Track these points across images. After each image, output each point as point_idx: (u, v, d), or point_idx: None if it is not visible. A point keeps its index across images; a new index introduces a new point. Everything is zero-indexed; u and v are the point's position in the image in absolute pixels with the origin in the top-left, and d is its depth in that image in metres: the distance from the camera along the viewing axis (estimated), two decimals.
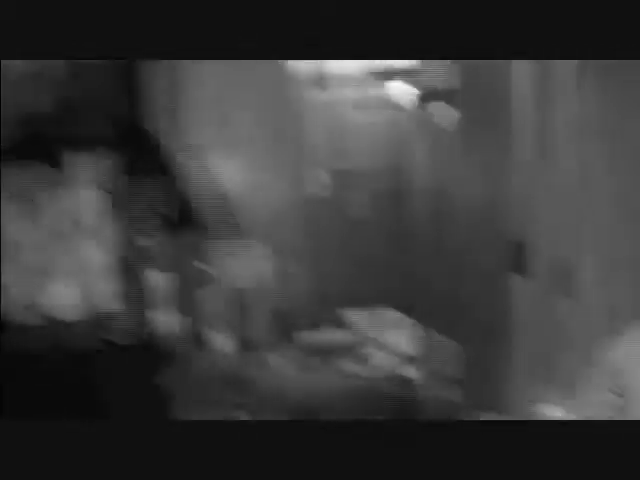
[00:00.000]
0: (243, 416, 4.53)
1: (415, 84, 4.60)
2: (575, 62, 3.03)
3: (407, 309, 4.63)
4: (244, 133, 6.03)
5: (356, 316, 5.09)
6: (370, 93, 5.13)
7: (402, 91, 4.86)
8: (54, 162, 2.95)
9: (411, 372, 4.20)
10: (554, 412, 2.16)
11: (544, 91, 3.25)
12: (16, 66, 2.77)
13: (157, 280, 3.04)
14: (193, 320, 3.29)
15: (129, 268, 2.98)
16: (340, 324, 5.14)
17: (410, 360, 4.30)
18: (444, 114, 3.65)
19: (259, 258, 5.60)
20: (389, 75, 4.89)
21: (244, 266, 5.57)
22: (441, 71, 3.86)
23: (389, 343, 4.75)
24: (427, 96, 4.11)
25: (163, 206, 3.03)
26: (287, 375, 4.57)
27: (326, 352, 4.84)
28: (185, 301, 3.19)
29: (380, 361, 4.64)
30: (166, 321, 3.08)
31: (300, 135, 5.48)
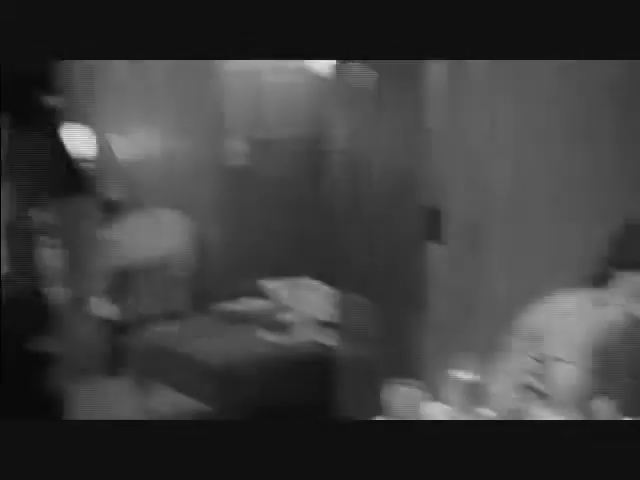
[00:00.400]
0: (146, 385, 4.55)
1: None
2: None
3: (325, 276, 4.65)
4: (162, 101, 5.97)
5: (275, 285, 5.10)
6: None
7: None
8: None
9: (330, 337, 4.23)
10: (468, 376, 2.19)
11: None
12: None
13: (47, 249, 2.98)
14: (80, 289, 3.24)
15: (17, 235, 2.92)
16: (259, 293, 5.14)
17: (329, 325, 4.33)
18: (362, 75, 3.64)
19: (175, 227, 5.57)
20: None
21: (154, 235, 5.52)
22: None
23: (308, 310, 4.78)
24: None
25: (52, 172, 2.96)
26: (205, 343, 4.56)
27: (245, 321, 4.84)
28: (74, 269, 3.13)
29: (299, 328, 4.67)
30: (55, 290, 3.03)
31: (218, 103, 5.43)
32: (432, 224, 3.50)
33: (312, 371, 4.35)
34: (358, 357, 3.73)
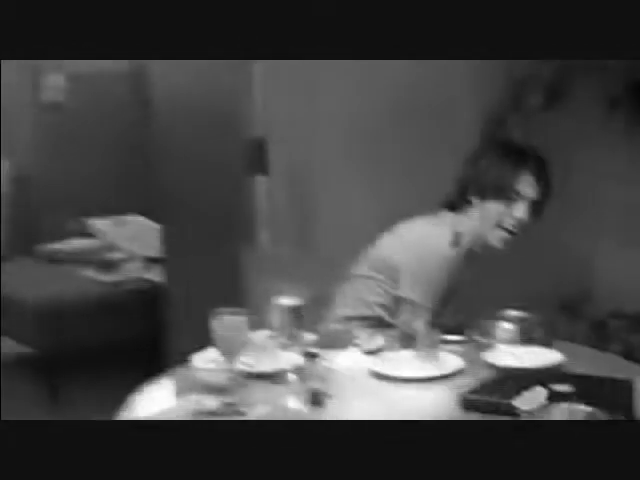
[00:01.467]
0: None
1: None
2: None
3: (151, 213, 4.61)
4: None
5: (100, 223, 5.02)
6: None
7: None
8: None
9: (157, 273, 4.22)
10: (292, 302, 2.23)
11: None
12: None
13: None
14: None
15: None
16: (85, 233, 5.05)
17: (156, 262, 4.32)
18: None
19: None
20: None
21: None
22: None
23: (134, 248, 4.74)
24: None
25: None
26: (27, 284, 4.46)
27: (71, 261, 4.76)
28: None
29: (126, 266, 4.63)
30: None
31: None
32: (257, 157, 3.53)
33: (140, 307, 4.34)
34: (186, 291, 3.74)
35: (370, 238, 2.60)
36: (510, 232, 2.44)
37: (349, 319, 2.44)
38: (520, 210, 2.42)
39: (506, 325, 2.24)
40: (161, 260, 4.06)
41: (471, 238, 2.48)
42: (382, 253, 2.52)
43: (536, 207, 2.44)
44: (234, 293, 3.27)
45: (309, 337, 2.21)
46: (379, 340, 2.27)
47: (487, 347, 2.19)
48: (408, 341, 2.21)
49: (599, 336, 3.22)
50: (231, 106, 3.62)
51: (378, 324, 2.44)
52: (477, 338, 2.25)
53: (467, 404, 1.80)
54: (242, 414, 1.80)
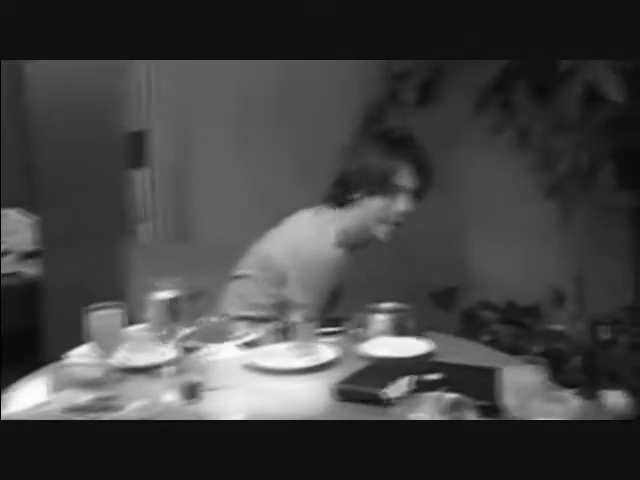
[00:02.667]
0: None
1: None
2: None
3: (27, 206, 4.50)
4: None
5: None
6: None
7: None
8: None
9: (34, 266, 4.14)
10: (169, 295, 2.22)
11: None
12: None
13: None
14: None
15: None
16: None
17: (33, 255, 4.24)
18: None
19: None
20: None
21: None
22: None
23: (10, 241, 4.63)
24: None
25: None
26: None
27: None
28: None
29: (4, 260, 4.53)
30: None
31: None
32: (136, 151, 3.51)
33: (16, 302, 4.24)
34: (63, 284, 3.69)
35: (253, 232, 2.61)
36: (395, 224, 2.48)
37: (234, 318, 2.42)
38: (402, 203, 2.45)
39: (380, 317, 2.30)
40: (37, 254, 3.98)
41: (356, 234, 2.51)
42: (268, 253, 2.52)
43: (417, 196, 2.48)
44: (112, 287, 3.23)
45: (186, 331, 2.22)
46: (256, 333, 2.30)
47: (362, 339, 2.24)
48: (284, 334, 2.24)
49: (468, 326, 3.34)
50: (110, 99, 3.58)
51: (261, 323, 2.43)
52: (352, 330, 2.31)
53: (339, 394, 1.85)
54: (118, 409, 1.80)
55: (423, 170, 2.47)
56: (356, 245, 2.54)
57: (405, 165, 2.45)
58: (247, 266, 2.57)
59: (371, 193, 2.46)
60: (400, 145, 2.49)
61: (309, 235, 2.50)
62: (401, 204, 2.45)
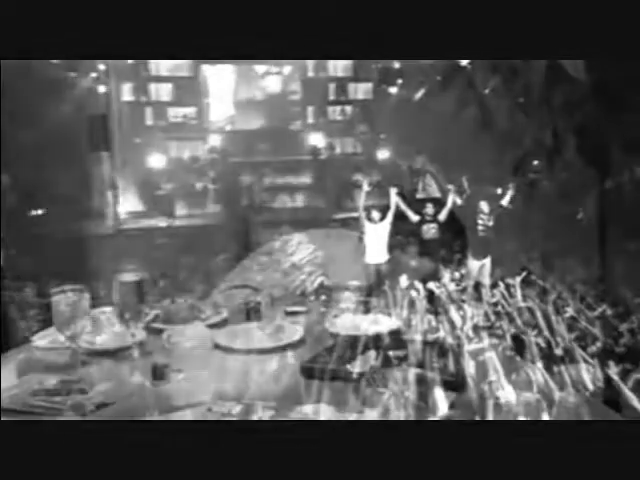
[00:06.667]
0: None
1: None
2: None
3: None
4: None
5: None
6: None
7: None
8: None
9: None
10: (131, 278, 2.22)
11: None
12: None
13: None
14: None
15: None
16: None
17: None
18: None
19: None
20: None
21: None
22: None
23: None
24: None
25: None
26: None
27: None
28: None
29: None
30: None
31: None
32: (99, 134, 3.48)
33: None
34: (30, 269, 3.67)
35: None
36: None
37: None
38: None
39: (347, 294, 2.31)
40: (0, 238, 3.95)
41: None
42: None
43: None
44: (79, 270, 3.23)
45: (152, 312, 2.21)
46: (223, 314, 2.30)
47: (330, 316, 2.25)
48: (253, 314, 2.24)
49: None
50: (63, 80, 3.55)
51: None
52: (321, 308, 2.32)
53: (306, 371, 1.86)
54: (83, 392, 1.79)
55: None
56: None
57: None
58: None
59: None
60: None
61: None
62: None
